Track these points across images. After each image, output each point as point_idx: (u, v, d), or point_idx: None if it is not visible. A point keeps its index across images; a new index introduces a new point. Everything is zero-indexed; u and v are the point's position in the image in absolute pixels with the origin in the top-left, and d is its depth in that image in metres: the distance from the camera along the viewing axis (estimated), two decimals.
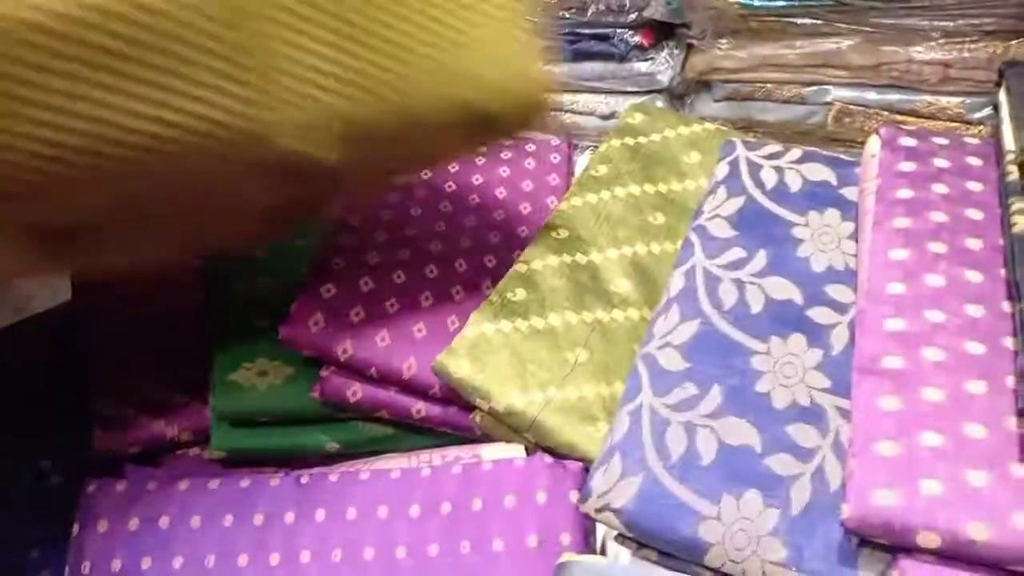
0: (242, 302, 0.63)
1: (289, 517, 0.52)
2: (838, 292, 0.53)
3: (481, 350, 0.54)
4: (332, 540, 0.51)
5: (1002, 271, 0.46)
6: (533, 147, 0.75)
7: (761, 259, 0.55)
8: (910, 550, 0.38)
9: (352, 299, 0.59)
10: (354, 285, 0.60)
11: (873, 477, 0.40)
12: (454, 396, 0.56)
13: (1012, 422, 0.40)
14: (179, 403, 0.62)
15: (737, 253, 0.55)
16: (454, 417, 0.57)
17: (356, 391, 0.57)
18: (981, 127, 0.63)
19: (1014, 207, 0.48)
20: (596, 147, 0.82)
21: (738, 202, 0.58)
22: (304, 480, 0.54)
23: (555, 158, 0.73)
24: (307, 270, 0.61)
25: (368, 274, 0.61)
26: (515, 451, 0.54)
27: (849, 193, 0.58)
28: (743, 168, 0.60)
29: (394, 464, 0.56)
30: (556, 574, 0.42)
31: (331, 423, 0.60)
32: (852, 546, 0.41)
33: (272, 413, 0.59)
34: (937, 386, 0.42)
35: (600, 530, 0.52)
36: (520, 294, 0.58)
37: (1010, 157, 0.51)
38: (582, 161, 0.81)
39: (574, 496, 0.50)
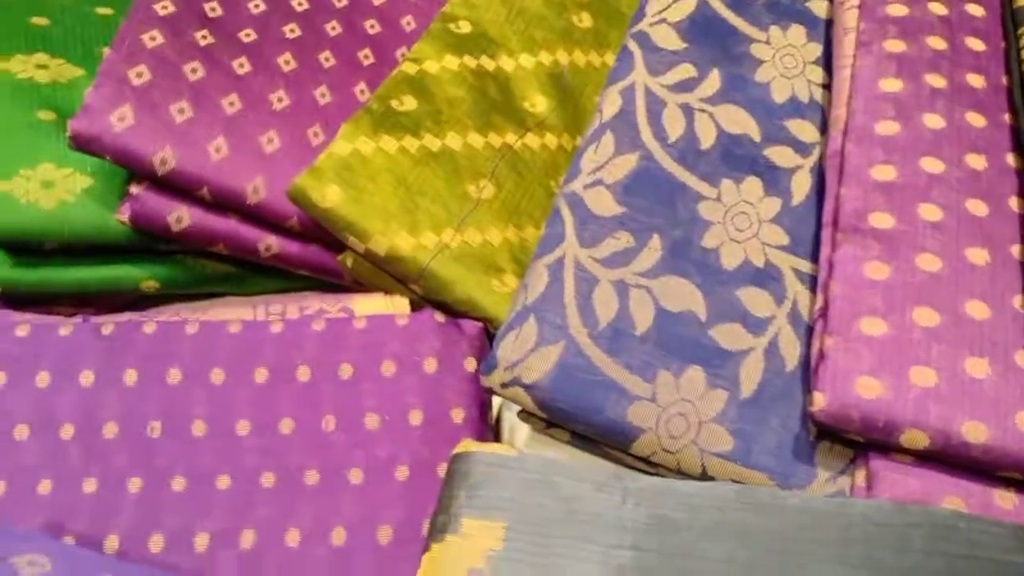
0: (17, 83, 0.46)
1: (86, 378, 0.39)
2: (801, 129, 0.44)
3: (356, 173, 0.41)
4: (146, 410, 0.39)
5: (1006, 116, 0.38)
6: None
7: (714, 80, 0.44)
8: (888, 449, 0.32)
9: (175, 90, 0.43)
10: (178, 70, 0.43)
11: (855, 361, 0.32)
12: (317, 230, 0.43)
13: (1018, 301, 0.33)
14: None
15: (686, 70, 0.44)
16: (316, 257, 0.45)
17: (181, 217, 0.43)
18: None
19: None
20: None
21: (688, 5, 0.46)
22: (107, 331, 0.40)
23: None
24: (111, 45, 0.44)
25: (198, 57, 0.44)
26: (396, 305, 0.43)
27: (816, 7, 0.48)
28: None
29: (233, 314, 0.43)
30: (450, 466, 0.33)
31: (147, 255, 0.45)
32: (809, 439, 0.35)
33: (63, 238, 0.43)
34: (934, 252, 0.34)
35: (495, 400, 0.43)
36: (409, 103, 0.44)
37: None
38: None
39: (471, 364, 0.40)
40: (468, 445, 0.33)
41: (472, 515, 0.31)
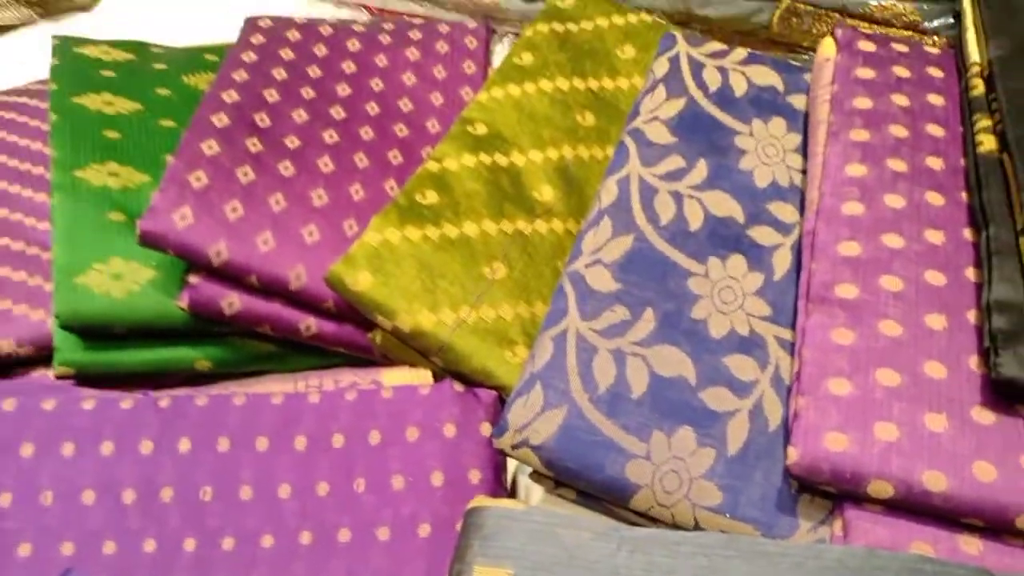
0: (92, 189, 0.53)
1: (146, 447, 0.44)
2: (781, 211, 0.48)
3: (384, 260, 0.47)
4: (199, 476, 0.43)
5: (963, 194, 0.43)
6: (446, 29, 0.65)
7: (702, 170, 0.49)
8: (858, 499, 0.35)
9: (229, 191, 0.49)
10: (231, 175, 0.50)
11: (824, 419, 0.36)
12: (350, 312, 0.49)
13: (973, 361, 0.37)
14: (14, 310, 0.51)
15: (676, 162, 0.49)
16: (350, 336, 0.50)
17: (232, 302, 0.49)
18: (936, 37, 0.58)
19: (979, 124, 0.44)
20: (518, 35, 0.73)
21: (678, 104, 0.52)
22: (164, 404, 0.46)
23: (471, 43, 0.64)
24: (174, 154, 0.50)
25: (249, 163, 0.51)
26: (420, 377, 0.48)
27: (796, 101, 0.53)
28: (684, 66, 0.54)
29: (276, 388, 0.48)
30: (465, 520, 0.37)
31: (202, 337, 0.51)
32: (791, 492, 0.38)
33: (129, 324, 0.49)
34: (895, 319, 0.38)
35: (511, 464, 0.47)
36: (431, 197, 0.50)
37: (974, 70, 0.47)
38: (500, 51, 0.73)
39: (486, 429, 0.45)
40: (481, 500, 0.37)
41: (483, 563, 0.34)
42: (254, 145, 0.52)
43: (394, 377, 0.48)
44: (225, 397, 0.46)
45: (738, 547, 0.34)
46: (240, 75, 0.56)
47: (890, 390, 0.36)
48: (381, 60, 0.61)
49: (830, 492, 0.36)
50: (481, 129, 0.54)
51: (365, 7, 0.77)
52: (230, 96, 0.54)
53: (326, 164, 0.53)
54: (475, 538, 0.35)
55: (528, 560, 0.34)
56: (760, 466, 0.38)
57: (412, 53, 0.62)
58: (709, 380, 0.41)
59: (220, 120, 0.52)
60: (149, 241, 0.48)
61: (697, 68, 0.54)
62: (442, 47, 0.63)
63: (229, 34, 0.63)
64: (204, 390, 0.49)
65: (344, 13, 0.76)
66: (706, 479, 0.38)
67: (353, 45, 0.61)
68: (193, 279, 0.49)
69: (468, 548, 0.35)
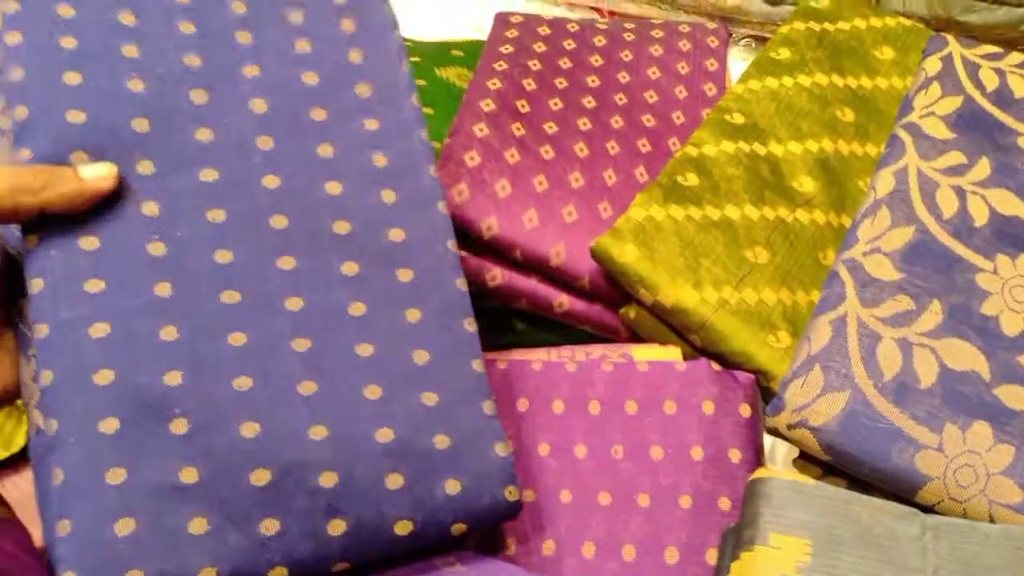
0: None
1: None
2: None
3: (649, 236, 0.48)
4: None
5: None
6: (687, 28, 0.66)
7: (984, 167, 0.47)
8: None
9: (499, 170, 0.52)
10: (500, 155, 0.53)
11: None
12: (603, 290, 0.50)
13: None
14: None
15: (957, 157, 0.48)
16: (599, 315, 0.51)
17: (495, 275, 0.51)
18: None
19: None
20: (756, 38, 0.73)
21: (955, 101, 0.50)
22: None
23: (713, 41, 0.65)
24: (448, 134, 0.54)
25: (514, 145, 0.54)
26: (671, 354, 0.48)
27: None
28: (959, 66, 0.52)
29: (534, 356, 0.50)
30: (752, 488, 0.37)
31: None
32: None
33: None
34: None
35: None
36: (692, 179, 0.51)
37: None
38: (735, 54, 0.73)
39: (746, 410, 0.44)
40: (767, 472, 0.37)
41: (778, 531, 0.34)
42: (518, 129, 0.55)
43: (645, 353, 0.49)
44: (488, 361, 0.48)
45: None
46: (500, 65, 0.59)
47: None
48: (626, 55, 0.63)
49: None
50: (739, 118, 0.54)
51: (596, 10, 0.79)
52: (494, 84, 0.57)
53: (581, 149, 0.55)
54: (765, 507, 0.35)
55: (824, 533, 0.34)
56: None
57: (656, 49, 0.64)
58: (1004, 377, 0.39)
59: (487, 105, 0.56)
60: None
61: (973, 68, 0.52)
62: (684, 45, 0.64)
63: (454, 31, 0.70)
64: None
65: (575, 16, 0.79)
66: (1006, 476, 0.36)
67: (599, 41, 0.64)
68: (461, 252, 0.52)
69: (759, 516, 0.35)
